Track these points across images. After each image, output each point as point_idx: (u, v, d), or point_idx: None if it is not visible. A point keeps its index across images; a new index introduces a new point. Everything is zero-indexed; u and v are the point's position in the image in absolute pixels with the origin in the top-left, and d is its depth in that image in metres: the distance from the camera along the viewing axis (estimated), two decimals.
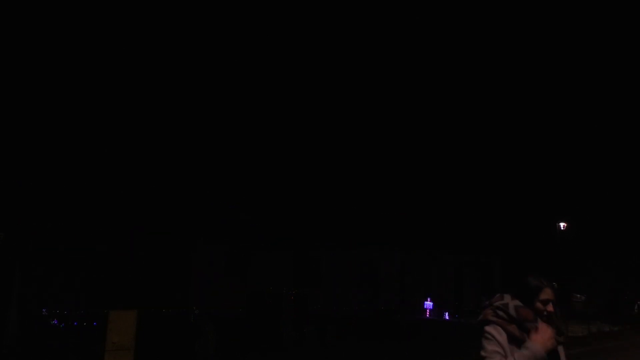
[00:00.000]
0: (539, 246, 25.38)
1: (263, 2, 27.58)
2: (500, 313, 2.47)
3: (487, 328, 2.45)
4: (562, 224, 24.47)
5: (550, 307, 2.48)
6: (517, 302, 2.49)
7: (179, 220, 17.15)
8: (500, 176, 27.09)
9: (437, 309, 19.68)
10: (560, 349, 2.50)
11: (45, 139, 15.89)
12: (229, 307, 15.71)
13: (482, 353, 2.40)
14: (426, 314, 19.50)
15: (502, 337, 2.38)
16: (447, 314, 19.12)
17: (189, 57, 22.31)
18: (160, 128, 18.95)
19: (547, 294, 2.52)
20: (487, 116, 31.81)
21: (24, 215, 13.56)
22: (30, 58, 16.40)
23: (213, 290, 16.54)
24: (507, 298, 2.55)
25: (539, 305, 2.48)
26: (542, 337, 2.34)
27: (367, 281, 20.39)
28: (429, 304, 19.75)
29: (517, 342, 2.37)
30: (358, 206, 21.53)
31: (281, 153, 21.83)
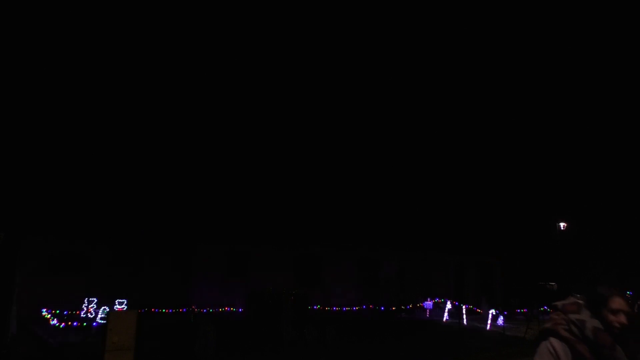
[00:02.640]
0: (539, 246, 25.40)
1: (263, 2, 27.57)
2: (574, 329, 2.26)
3: (554, 342, 2.25)
4: (562, 224, 24.49)
5: (622, 319, 2.24)
6: (597, 324, 2.26)
7: (179, 220, 17.17)
8: (501, 176, 27.10)
9: (437, 309, 19.66)
10: None
11: (45, 140, 15.89)
12: (229, 307, 15.73)
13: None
14: (426, 314, 19.48)
15: (567, 357, 2.20)
16: (446, 314, 19.10)
17: (188, 60, 22.32)
18: (161, 129, 18.96)
19: (617, 303, 2.28)
20: (487, 116, 31.81)
21: (24, 215, 13.57)
22: (30, 58, 16.41)
23: (213, 290, 16.54)
24: (585, 314, 2.30)
25: (609, 316, 2.26)
26: None
27: (367, 281, 20.38)
28: (428, 304, 19.73)
29: None
30: (358, 206, 21.55)
31: (281, 153, 21.85)
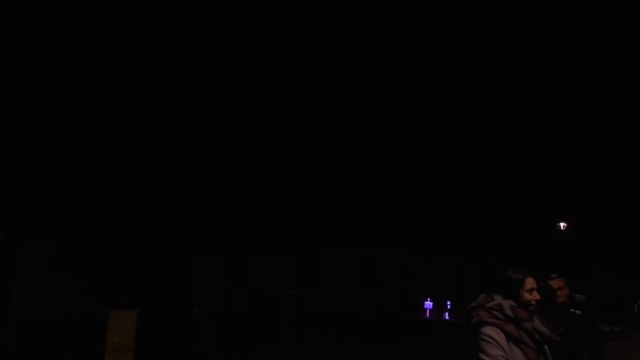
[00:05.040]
0: (539, 246, 25.37)
1: (263, 2, 27.57)
2: (497, 314, 2.46)
3: (485, 330, 2.42)
4: (562, 224, 24.49)
5: (536, 296, 2.56)
6: (511, 302, 2.52)
7: (179, 221, 17.16)
8: (500, 176, 27.09)
9: (437, 309, 19.67)
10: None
11: (45, 140, 15.89)
12: (229, 307, 15.70)
13: (483, 357, 2.34)
14: (426, 314, 19.49)
15: (501, 337, 2.37)
16: (447, 314, 19.11)
17: (187, 60, 22.31)
18: (160, 130, 18.96)
19: (531, 283, 2.59)
20: (486, 116, 31.81)
21: (24, 215, 13.56)
22: (30, 58, 16.40)
23: (213, 290, 16.52)
24: (499, 298, 2.55)
25: (526, 295, 2.54)
26: None
27: (367, 281, 20.37)
28: (429, 304, 19.74)
29: (514, 340, 2.36)
30: (358, 206, 21.53)
31: (281, 153, 21.84)
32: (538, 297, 2.55)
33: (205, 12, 26.08)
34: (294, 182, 20.70)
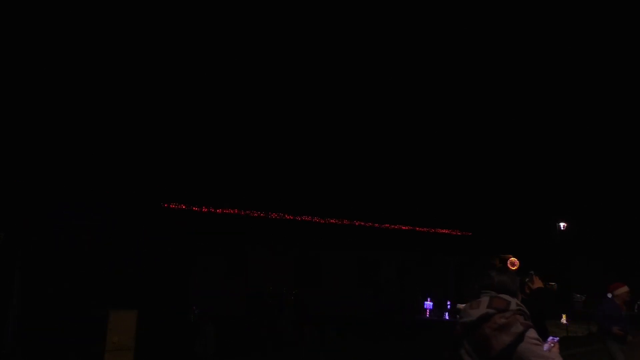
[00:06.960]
0: (539, 246, 25.39)
1: (263, 2, 27.59)
2: (524, 315, 2.44)
3: (532, 334, 2.34)
4: (562, 224, 24.50)
5: None
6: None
7: (178, 220, 17.17)
8: (500, 176, 27.11)
9: (437, 309, 19.66)
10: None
11: (45, 139, 15.90)
12: (229, 307, 15.71)
13: None
14: (426, 314, 19.48)
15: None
16: (447, 314, 19.10)
17: (183, 58, 22.33)
18: (158, 128, 18.98)
19: None
20: (486, 116, 31.83)
21: (24, 215, 13.57)
22: (30, 58, 16.42)
23: (213, 290, 16.53)
24: (509, 298, 2.49)
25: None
26: None
27: (367, 281, 20.37)
28: (429, 304, 19.73)
29: None
30: (358, 206, 21.54)
31: (281, 152, 21.85)
32: None
33: (205, 12, 26.10)
34: (293, 183, 20.72)
